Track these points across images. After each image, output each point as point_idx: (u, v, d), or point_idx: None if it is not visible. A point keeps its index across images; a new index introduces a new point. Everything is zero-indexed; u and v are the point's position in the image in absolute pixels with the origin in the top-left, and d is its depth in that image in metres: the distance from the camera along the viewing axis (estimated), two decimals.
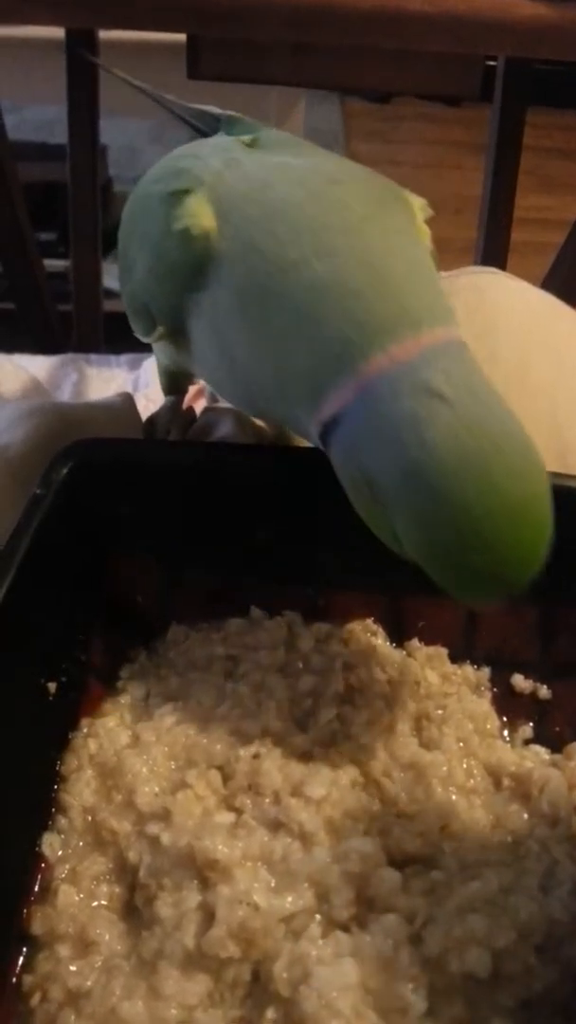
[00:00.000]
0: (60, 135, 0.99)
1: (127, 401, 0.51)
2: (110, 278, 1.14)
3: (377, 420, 0.32)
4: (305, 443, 0.51)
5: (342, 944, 0.32)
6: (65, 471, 0.41)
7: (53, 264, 1.17)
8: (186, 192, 0.38)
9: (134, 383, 0.77)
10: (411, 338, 0.33)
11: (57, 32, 0.86)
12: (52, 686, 0.39)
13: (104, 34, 0.84)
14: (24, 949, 0.34)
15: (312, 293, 0.34)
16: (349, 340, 0.33)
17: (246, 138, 0.43)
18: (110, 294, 1.07)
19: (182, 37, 0.79)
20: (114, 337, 1.01)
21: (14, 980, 0.33)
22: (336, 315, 0.34)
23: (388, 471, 0.32)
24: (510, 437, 0.32)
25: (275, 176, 0.38)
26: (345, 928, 0.33)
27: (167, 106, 0.54)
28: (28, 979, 0.33)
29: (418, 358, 0.32)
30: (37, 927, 0.34)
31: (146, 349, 0.53)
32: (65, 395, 0.75)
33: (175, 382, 0.52)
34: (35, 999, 0.33)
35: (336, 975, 0.31)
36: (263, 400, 0.39)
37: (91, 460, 0.42)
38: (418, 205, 0.41)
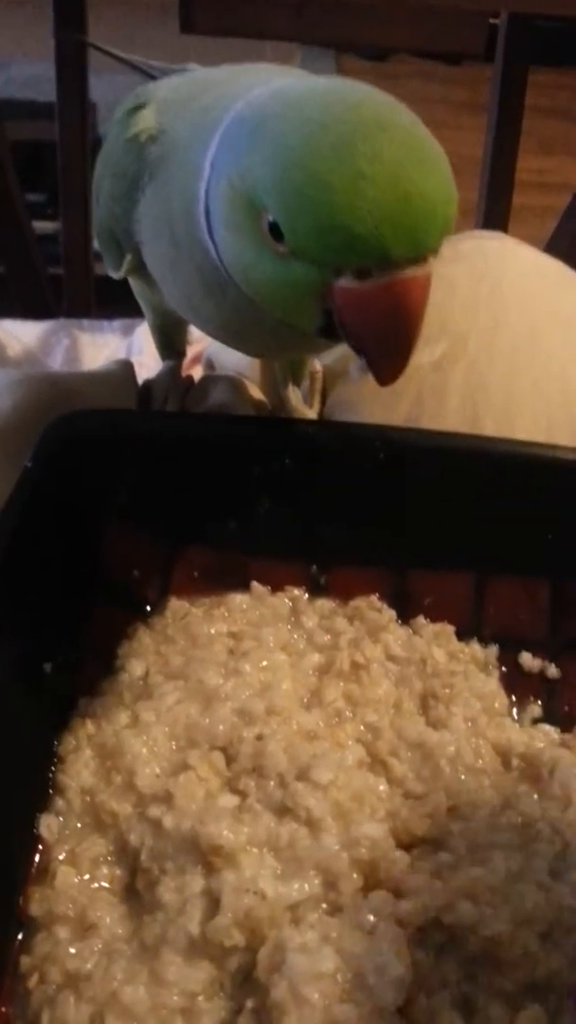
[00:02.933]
0: (48, 92, 0.96)
1: (124, 369, 0.50)
2: None
3: (251, 118, 0.31)
4: (308, 415, 0.50)
5: (329, 927, 0.31)
6: (58, 443, 0.40)
7: (43, 226, 1.14)
8: (140, 107, 0.39)
9: (127, 349, 0.75)
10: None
11: None
12: (48, 666, 0.38)
13: None
14: (21, 930, 0.33)
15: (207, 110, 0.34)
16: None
17: None
18: (101, 256, 1.04)
19: None
20: (105, 301, 0.98)
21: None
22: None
23: (261, 141, 0.30)
24: (394, 112, 0.29)
25: (221, 75, 0.38)
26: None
27: (152, 74, 0.52)
28: (26, 960, 0.33)
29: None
30: (35, 908, 0.34)
31: (139, 314, 0.52)
32: (57, 362, 0.73)
33: (168, 340, 0.50)
34: (33, 980, 0.32)
35: (312, 963, 0.30)
36: (187, 279, 0.37)
37: (84, 432, 0.41)
38: None
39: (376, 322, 0.30)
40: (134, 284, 0.46)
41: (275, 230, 0.30)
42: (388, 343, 0.31)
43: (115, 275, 0.44)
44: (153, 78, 0.50)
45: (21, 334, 0.71)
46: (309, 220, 0.28)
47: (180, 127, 0.36)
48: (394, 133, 0.28)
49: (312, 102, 0.29)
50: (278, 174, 0.29)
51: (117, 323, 0.80)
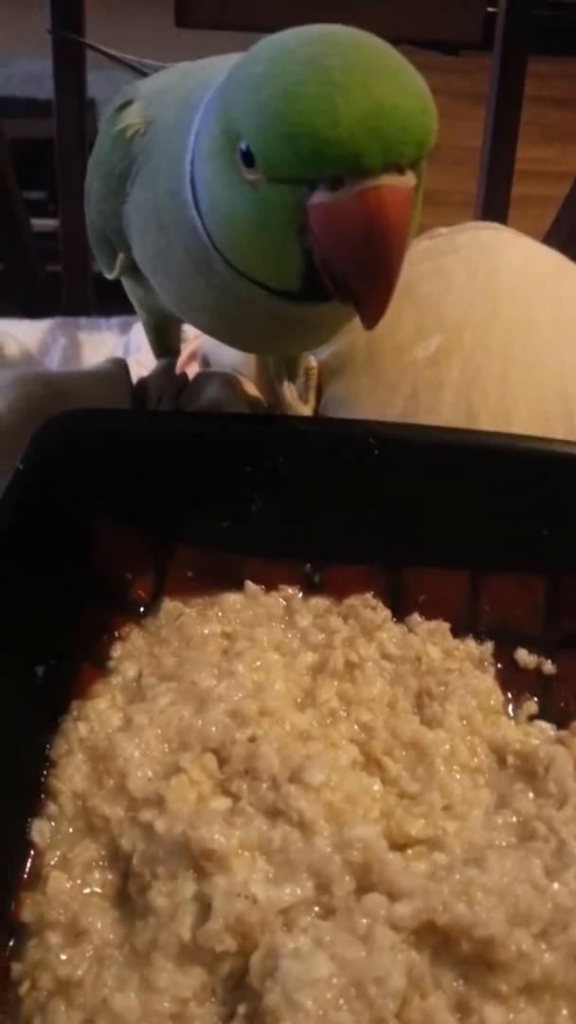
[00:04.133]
0: (48, 90, 0.96)
1: (118, 367, 0.49)
2: None
3: (230, 72, 0.31)
4: (303, 411, 0.49)
5: (322, 932, 0.31)
6: (50, 444, 0.40)
7: (43, 224, 1.13)
8: (127, 104, 0.39)
9: (124, 347, 0.75)
10: None
11: None
12: (40, 669, 0.37)
13: None
14: (12, 937, 0.33)
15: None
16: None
17: None
18: None
19: None
20: (104, 298, 0.98)
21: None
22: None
23: (236, 78, 0.30)
24: (365, 34, 0.29)
25: (205, 61, 0.38)
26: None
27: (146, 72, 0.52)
28: (17, 967, 0.32)
29: None
30: (27, 914, 0.33)
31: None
32: (55, 361, 0.73)
33: (162, 339, 0.50)
34: (24, 987, 0.32)
35: (306, 969, 0.29)
36: (176, 265, 0.37)
37: (77, 432, 0.41)
38: None
39: (351, 235, 0.29)
40: (127, 285, 0.46)
41: (248, 158, 0.29)
42: (366, 261, 0.29)
43: (109, 276, 0.44)
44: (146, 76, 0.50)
45: (18, 333, 0.71)
46: (278, 131, 0.28)
47: (165, 114, 0.36)
48: (367, 50, 0.28)
49: (287, 35, 0.30)
50: (250, 97, 0.29)
51: (114, 321, 0.80)
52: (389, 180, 0.28)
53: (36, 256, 1.01)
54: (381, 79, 0.28)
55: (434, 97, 0.29)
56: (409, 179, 0.29)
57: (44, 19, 0.87)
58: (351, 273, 0.30)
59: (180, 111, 0.35)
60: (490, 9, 0.90)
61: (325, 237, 0.29)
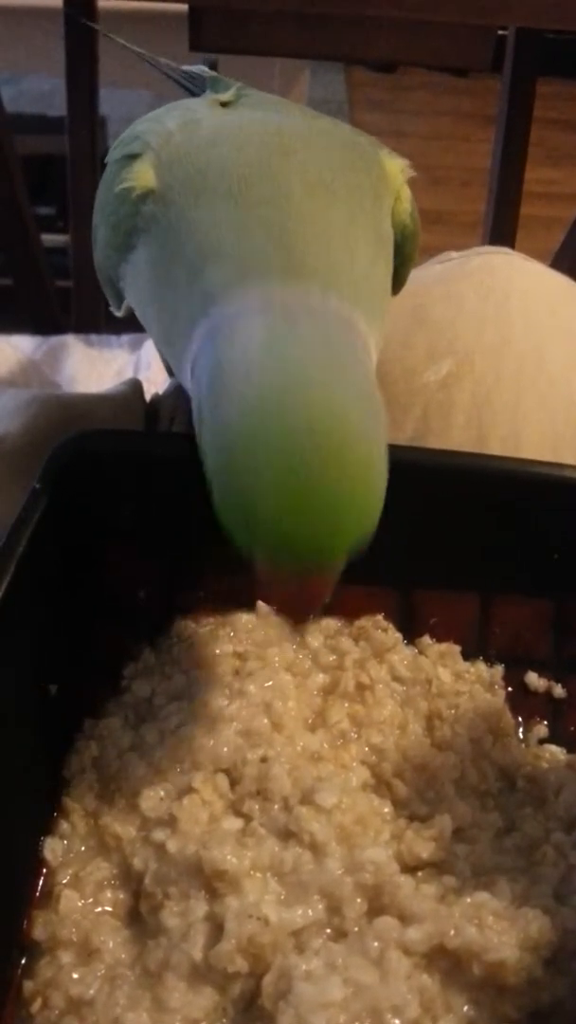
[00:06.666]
0: (59, 107, 0.97)
1: (133, 389, 0.50)
2: None
3: (219, 356, 0.32)
4: None
5: (334, 954, 0.31)
6: (65, 464, 0.40)
7: (52, 239, 1.14)
8: (136, 156, 0.37)
9: (135, 365, 0.75)
10: (290, 287, 0.32)
11: (55, 1, 0.84)
12: (53, 687, 0.38)
13: (103, 3, 0.81)
14: (24, 954, 0.33)
15: (211, 234, 0.33)
16: (228, 276, 0.32)
17: (224, 96, 0.42)
18: None
19: (183, 7, 0.77)
20: (114, 315, 0.99)
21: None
22: (224, 254, 0.33)
23: (209, 401, 0.33)
24: (330, 418, 0.31)
25: (226, 135, 0.37)
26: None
27: (162, 70, 0.52)
28: (29, 985, 0.32)
29: (283, 310, 0.31)
30: (39, 932, 0.34)
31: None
32: (64, 377, 0.74)
33: None
34: (36, 1005, 0.32)
35: (319, 992, 0.30)
36: (166, 354, 0.38)
37: (91, 452, 0.41)
38: (397, 168, 0.39)
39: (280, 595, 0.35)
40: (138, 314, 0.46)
41: None
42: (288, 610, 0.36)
43: (117, 313, 0.43)
44: (167, 75, 0.50)
45: (29, 350, 0.71)
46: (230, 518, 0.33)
47: (176, 199, 0.35)
48: (312, 501, 0.31)
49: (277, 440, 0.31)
50: (213, 474, 0.34)
51: (125, 338, 0.80)
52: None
53: (46, 271, 1.02)
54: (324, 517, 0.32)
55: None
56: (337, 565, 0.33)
57: (59, 39, 0.88)
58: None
59: (189, 242, 0.34)
60: (500, 32, 0.91)
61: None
